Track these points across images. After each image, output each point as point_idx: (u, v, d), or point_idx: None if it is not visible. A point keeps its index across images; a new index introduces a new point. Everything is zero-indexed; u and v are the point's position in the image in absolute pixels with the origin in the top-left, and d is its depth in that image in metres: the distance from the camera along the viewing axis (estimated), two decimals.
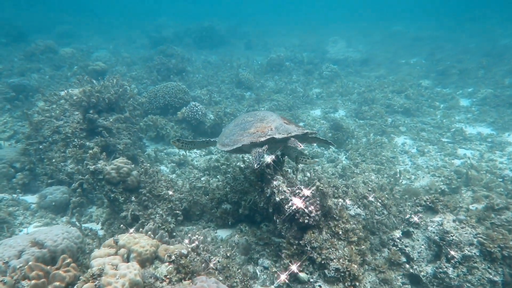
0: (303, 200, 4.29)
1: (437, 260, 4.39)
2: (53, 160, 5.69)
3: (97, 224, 5.16)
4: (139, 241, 3.58)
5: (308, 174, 4.96)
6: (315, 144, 9.17)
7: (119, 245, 3.46)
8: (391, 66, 18.95)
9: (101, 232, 5.08)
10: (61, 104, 6.18)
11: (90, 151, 5.52)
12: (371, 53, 21.43)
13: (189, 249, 4.16)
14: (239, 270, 4.24)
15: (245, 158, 5.89)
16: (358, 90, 14.39)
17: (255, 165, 4.20)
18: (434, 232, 4.60)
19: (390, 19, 39.85)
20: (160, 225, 4.97)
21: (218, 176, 7.02)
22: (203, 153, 8.41)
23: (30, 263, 3.00)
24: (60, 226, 4.02)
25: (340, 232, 4.24)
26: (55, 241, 3.72)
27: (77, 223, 4.95)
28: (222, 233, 5.47)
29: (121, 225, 4.95)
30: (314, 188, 4.53)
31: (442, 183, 6.91)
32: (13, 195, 5.35)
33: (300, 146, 4.44)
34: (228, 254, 4.27)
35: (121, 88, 7.07)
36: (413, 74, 16.93)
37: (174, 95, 9.63)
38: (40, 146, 5.71)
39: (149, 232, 4.05)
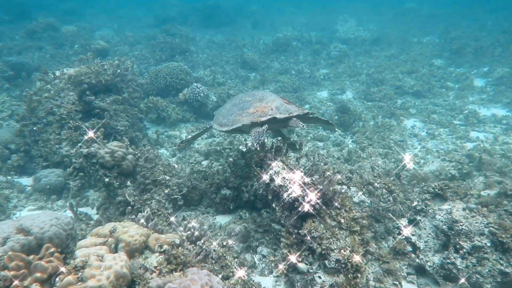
0: (304, 187, 4.07)
1: (444, 250, 4.16)
2: (48, 142, 5.53)
3: (92, 208, 5.04)
4: (128, 230, 3.41)
5: (311, 160, 4.71)
6: (320, 128, 8.85)
7: (105, 234, 3.30)
8: (403, 45, 18.15)
9: (96, 217, 4.95)
10: (56, 84, 5.96)
11: (92, 134, 5.32)
12: (382, 32, 20.52)
13: (184, 238, 4.02)
14: (236, 260, 4.08)
15: (247, 142, 5.65)
16: (367, 71, 13.84)
17: (255, 144, 4.18)
18: (442, 221, 4.35)
19: None
20: (156, 211, 4.82)
21: (220, 160, 6.82)
22: (205, 136, 8.18)
23: (9, 253, 2.85)
24: (49, 212, 3.86)
25: (342, 221, 4.01)
26: (42, 228, 3.57)
27: (73, 207, 4.82)
28: (222, 219, 5.32)
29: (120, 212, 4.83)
30: (315, 175, 4.30)
31: (452, 168, 6.58)
32: (7, 177, 5.23)
33: (302, 126, 4.38)
34: (224, 243, 4.09)
35: (124, 68, 6.79)
36: (425, 53, 16.18)
37: (175, 75, 9.33)
38: (34, 128, 5.55)
39: (142, 220, 3.89)
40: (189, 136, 5.73)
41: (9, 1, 19.74)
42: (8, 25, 16.60)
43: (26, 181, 5.51)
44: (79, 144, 4.66)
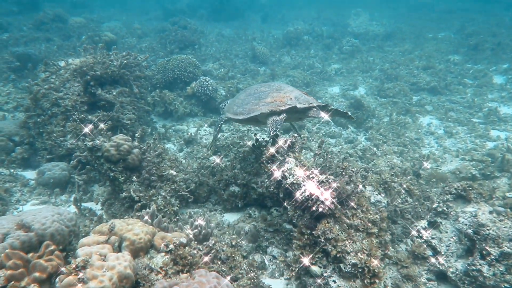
0: (317, 185, 3.83)
1: (469, 256, 3.88)
2: (52, 135, 5.38)
3: (96, 204, 4.87)
4: (133, 227, 3.22)
5: (324, 156, 4.46)
6: (332, 124, 8.56)
7: (110, 232, 3.11)
8: (417, 41, 17.61)
9: (101, 213, 4.78)
10: (61, 74, 5.79)
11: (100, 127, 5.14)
12: (396, 27, 19.97)
13: (191, 236, 3.82)
14: (245, 261, 3.87)
15: (257, 137, 5.44)
16: (380, 66, 13.43)
17: (271, 132, 4.16)
18: (466, 224, 4.06)
19: None
20: (162, 207, 4.63)
21: (230, 154, 6.60)
22: (212, 130, 7.97)
23: (7, 250, 2.67)
24: (51, 207, 3.69)
25: (359, 222, 3.76)
26: (44, 224, 3.40)
27: (77, 202, 4.65)
28: (230, 217, 5.12)
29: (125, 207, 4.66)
30: (330, 172, 4.06)
31: (473, 168, 6.26)
32: (11, 170, 5.09)
33: (323, 116, 4.42)
34: (233, 243, 3.88)
35: (133, 59, 6.58)
36: (441, 49, 15.65)
37: (184, 68, 9.11)
38: (38, 119, 5.39)
39: (146, 217, 3.69)
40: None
41: None
42: (16, 16, 16.52)
43: (30, 174, 5.37)
44: (82, 137, 4.47)
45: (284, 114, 4.31)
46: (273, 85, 4.78)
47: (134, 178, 4.79)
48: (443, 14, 24.33)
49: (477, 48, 14.58)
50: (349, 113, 4.72)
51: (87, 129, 5.19)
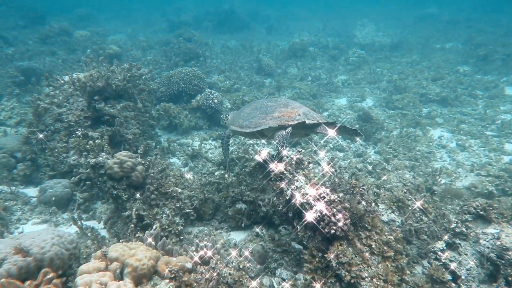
0: (329, 205, 3.64)
1: (492, 282, 3.63)
2: (55, 151, 5.27)
3: (99, 223, 4.71)
4: (136, 252, 3.04)
5: (334, 173, 4.28)
6: (340, 137, 8.37)
7: (110, 258, 2.93)
8: (425, 52, 17.46)
9: (103, 232, 4.62)
10: (65, 89, 5.72)
11: (91, 142, 5.04)
12: (402, 37, 19.86)
13: (196, 259, 3.63)
14: (253, 284, 3.66)
15: (264, 152, 5.25)
16: (388, 77, 13.27)
17: (280, 147, 4.20)
18: (488, 247, 3.82)
19: (422, 0, 37.21)
20: (166, 227, 4.46)
21: (235, 168, 6.43)
22: (218, 144, 7.83)
23: (1, 280, 2.51)
24: (50, 230, 3.54)
25: (374, 245, 3.55)
26: (43, 247, 3.25)
27: (78, 221, 4.49)
28: (236, 236, 4.92)
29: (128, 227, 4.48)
30: (341, 189, 3.87)
31: (489, 184, 6.00)
32: (12, 187, 4.97)
33: (331, 133, 4.41)
34: (240, 266, 3.68)
35: (135, 72, 6.52)
36: (449, 59, 15.47)
37: (189, 81, 9.04)
38: (41, 135, 5.29)
39: (149, 239, 3.52)
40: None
41: (24, 6, 19.96)
42: (22, 30, 16.71)
43: (32, 191, 5.24)
44: (85, 154, 4.34)
45: (290, 128, 4.31)
46: (280, 100, 4.80)
47: (138, 195, 4.64)
48: (450, 24, 24.20)
49: (486, 58, 14.37)
50: (358, 129, 4.68)
51: (89, 145, 5.07)
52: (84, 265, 2.83)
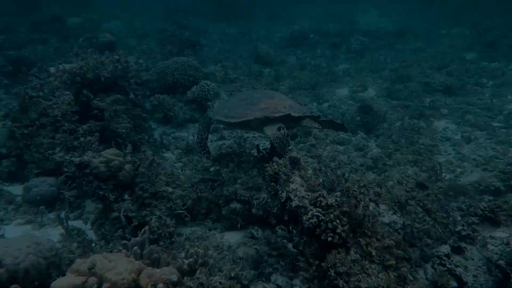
0: (326, 210, 3.41)
1: None
2: (41, 147, 5.03)
3: (86, 224, 4.50)
4: (116, 265, 2.81)
5: (333, 174, 4.02)
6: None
7: (87, 272, 2.70)
8: (430, 38, 16.91)
9: (90, 234, 4.41)
10: (50, 82, 5.43)
11: (82, 138, 4.80)
12: (407, 23, 19.25)
13: (185, 267, 3.41)
14: None
15: (259, 148, 5.03)
16: (391, 66, 12.85)
17: (282, 153, 4.24)
18: (497, 253, 3.59)
19: None
20: (156, 229, 4.24)
21: (230, 165, 6.18)
22: (215, 137, 7.56)
23: None
24: (27, 237, 3.32)
25: (374, 253, 3.31)
26: (17, 257, 3.03)
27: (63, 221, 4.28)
28: (231, 236, 4.71)
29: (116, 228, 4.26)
30: (340, 194, 3.62)
31: (496, 179, 5.73)
32: None
33: (317, 126, 4.49)
34: (233, 274, 3.48)
35: (124, 63, 6.22)
36: (455, 46, 14.97)
37: (184, 71, 8.70)
38: (25, 131, 5.04)
39: (135, 247, 3.29)
40: (196, 138, 5.74)
41: None
42: (16, 18, 16.13)
43: (18, 189, 5.02)
44: (71, 152, 4.09)
45: (285, 130, 4.31)
46: (266, 93, 4.90)
47: (127, 196, 4.41)
48: (456, 9, 23.46)
49: (494, 45, 13.86)
50: (344, 124, 4.84)
51: (77, 142, 4.82)
52: (57, 281, 2.61)
